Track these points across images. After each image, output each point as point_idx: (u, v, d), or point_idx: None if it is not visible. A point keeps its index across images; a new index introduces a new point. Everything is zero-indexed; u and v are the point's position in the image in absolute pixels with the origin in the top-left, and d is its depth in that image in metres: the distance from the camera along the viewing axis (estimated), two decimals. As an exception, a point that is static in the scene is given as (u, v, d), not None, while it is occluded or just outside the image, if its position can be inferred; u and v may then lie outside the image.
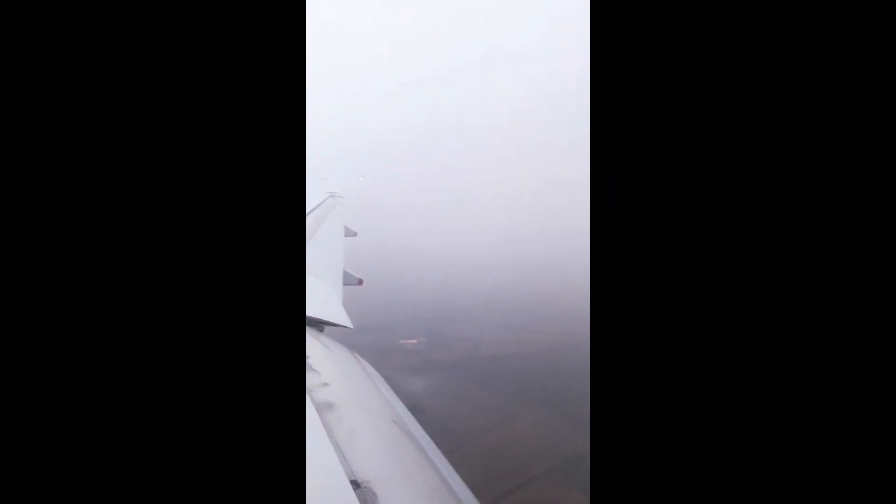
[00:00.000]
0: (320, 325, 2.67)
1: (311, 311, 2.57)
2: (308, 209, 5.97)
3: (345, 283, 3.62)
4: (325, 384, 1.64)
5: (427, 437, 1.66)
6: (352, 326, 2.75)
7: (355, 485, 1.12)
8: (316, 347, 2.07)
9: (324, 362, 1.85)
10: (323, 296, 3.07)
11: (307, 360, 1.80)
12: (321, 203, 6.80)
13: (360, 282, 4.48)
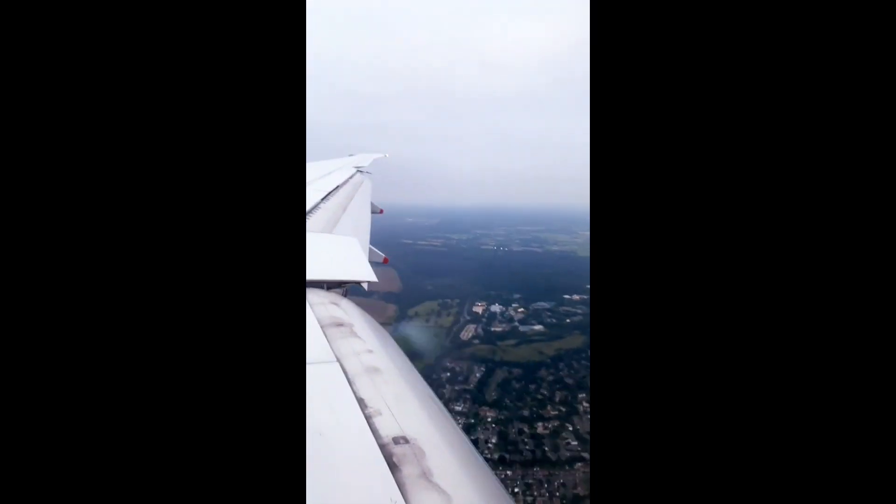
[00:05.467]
0: (343, 286, 2.75)
1: (337, 273, 2.74)
2: (337, 184, 6.17)
3: (370, 261, 3.68)
4: (370, 351, 1.80)
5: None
6: (376, 280, 2.81)
7: (404, 440, 1.21)
8: (359, 317, 2.23)
9: (366, 331, 2.03)
10: (349, 253, 3.30)
11: (353, 328, 2.00)
12: (350, 178, 6.94)
13: (385, 260, 4.60)
